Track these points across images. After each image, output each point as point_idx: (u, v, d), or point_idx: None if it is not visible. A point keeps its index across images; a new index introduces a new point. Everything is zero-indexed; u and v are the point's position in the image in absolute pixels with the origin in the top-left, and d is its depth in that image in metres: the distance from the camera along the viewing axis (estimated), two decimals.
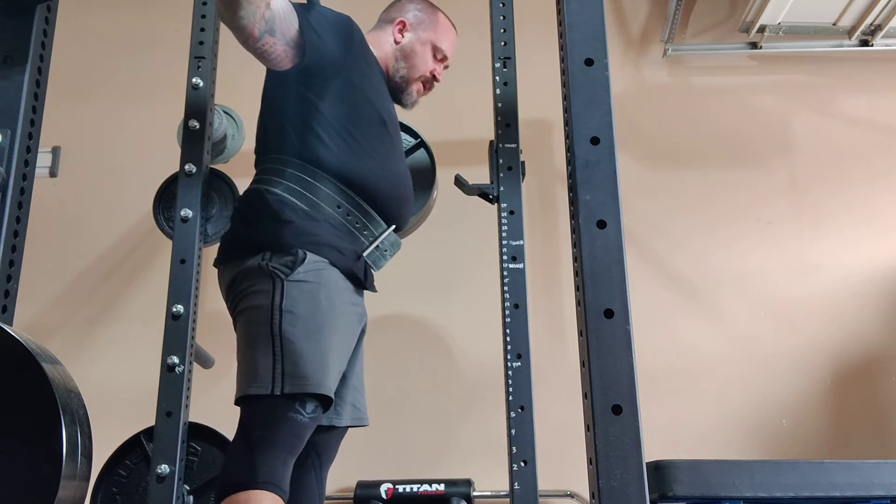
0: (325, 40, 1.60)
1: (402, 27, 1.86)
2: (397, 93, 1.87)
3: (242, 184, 1.84)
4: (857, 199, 3.17)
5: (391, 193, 1.68)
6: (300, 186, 1.57)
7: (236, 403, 1.47)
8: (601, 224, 1.06)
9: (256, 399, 1.42)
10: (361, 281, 1.62)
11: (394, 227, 1.69)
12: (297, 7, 1.59)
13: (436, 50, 1.88)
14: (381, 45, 1.85)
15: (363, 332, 1.70)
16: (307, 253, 1.50)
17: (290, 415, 1.41)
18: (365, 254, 1.63)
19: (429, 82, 1.91)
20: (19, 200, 1.41)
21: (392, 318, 3.06)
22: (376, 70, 1.77)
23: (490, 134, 2.19)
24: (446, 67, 1.93)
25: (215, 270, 1.67)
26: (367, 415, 1.75)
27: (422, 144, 2.23)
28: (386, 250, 1.68)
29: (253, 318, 1.48)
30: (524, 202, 2.13)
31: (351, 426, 1.71)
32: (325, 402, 1.46)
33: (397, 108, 1.91)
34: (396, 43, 1.85)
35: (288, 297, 1.45)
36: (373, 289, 1.71)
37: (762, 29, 3.18)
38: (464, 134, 3.14)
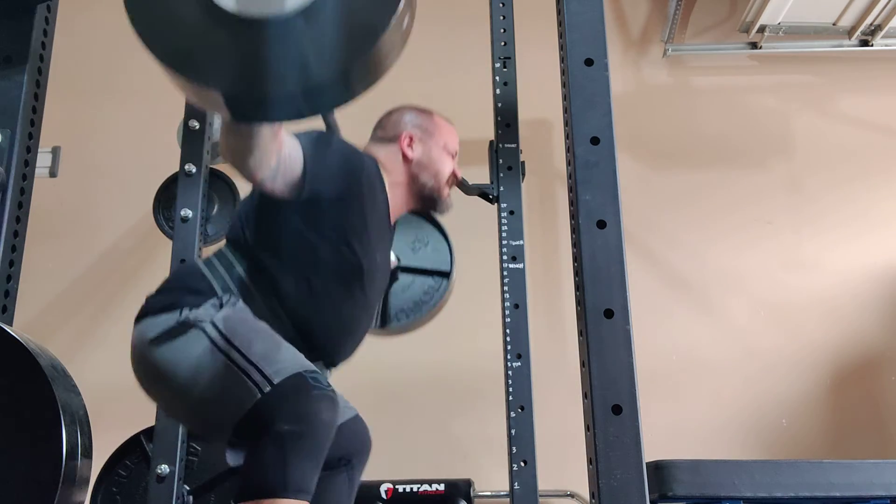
0: (327, 185, 1.51)
1: (410, 141, 1.75)
2: (432, 204, 1.79)
3: (242, 184, 1.84)
4: (857, 198, 3.17)
5: (328, 341, 1.59)
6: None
7: (243, 435, 1.36)
8: (601, 224, 1.06)
9: (258, 405, 1.33)
10: None
11: (320, 361, 1.59)
12: (306, 143, 1.48)
13: (447, 151, 1.80)
14: (394, 167, 1.73)
15: None
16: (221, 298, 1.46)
17: (309, 392, 1.33)
18: None
19: (452, 181, 1.83)
20: (19, 200, 1.41)
21: None
22: (381, 210, 1.66)
23: (490, 134, 2.19)
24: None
25: None
26: (350, 403, 1.68)
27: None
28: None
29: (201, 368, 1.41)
30: (524, 202, 2.13)
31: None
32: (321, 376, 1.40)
33: None
34: (409, 160, 1.74)
35: (225, 328, 1.40)
36: None
37: (762, 29, 3.17)
38: (464, 134, 3.11)
